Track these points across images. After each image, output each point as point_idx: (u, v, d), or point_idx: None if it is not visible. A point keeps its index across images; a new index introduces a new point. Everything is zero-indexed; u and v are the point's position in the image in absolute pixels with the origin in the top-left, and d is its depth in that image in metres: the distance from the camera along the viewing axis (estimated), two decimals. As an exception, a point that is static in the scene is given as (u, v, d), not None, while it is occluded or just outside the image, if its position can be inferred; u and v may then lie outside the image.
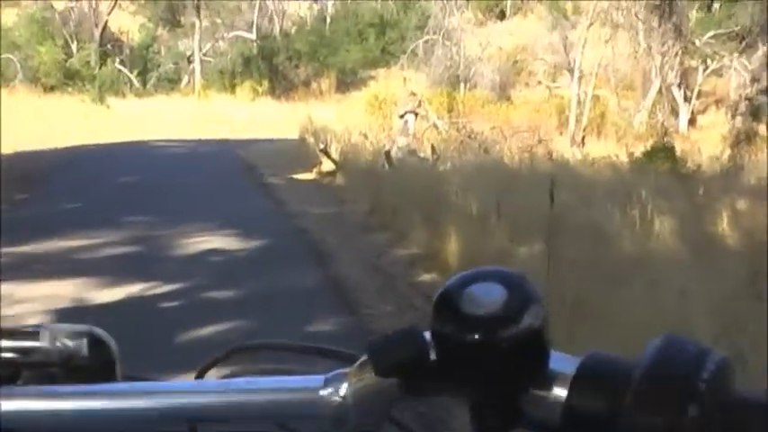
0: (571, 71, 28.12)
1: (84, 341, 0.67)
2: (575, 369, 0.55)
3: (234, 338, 4.29)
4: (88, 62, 33.21)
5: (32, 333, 0.66)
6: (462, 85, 27.63)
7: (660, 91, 22.53)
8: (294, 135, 17.58)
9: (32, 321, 3.77)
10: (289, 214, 9.51)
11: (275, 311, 5.39)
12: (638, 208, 8.12)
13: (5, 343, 0.66)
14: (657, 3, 19.03)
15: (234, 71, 33.40)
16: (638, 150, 16.09)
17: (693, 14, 25.99)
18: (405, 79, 22.06)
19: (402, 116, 16.54)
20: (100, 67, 33.01)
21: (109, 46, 34.81)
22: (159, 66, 34.68)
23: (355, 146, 14.41)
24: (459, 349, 0.55)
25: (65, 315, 4.89)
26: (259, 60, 33.31)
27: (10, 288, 5.43)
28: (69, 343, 0.66)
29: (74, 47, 33.72)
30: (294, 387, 0.62)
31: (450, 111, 21.94)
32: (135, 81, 33.22)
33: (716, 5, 27.68)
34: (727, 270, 5.66)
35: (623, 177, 12.25)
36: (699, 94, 24.39)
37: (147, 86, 33.23)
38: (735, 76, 23.83)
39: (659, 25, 18.90)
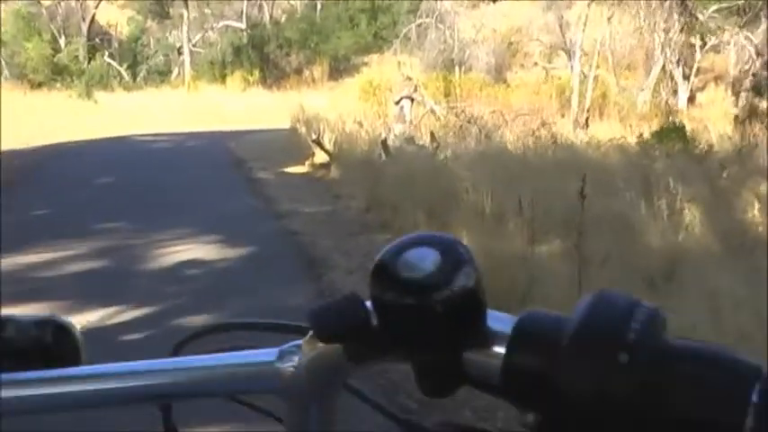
0: (567, 51, 27.63)
1: (49, 329, 0.69)
2: (511, 327, 0.56)
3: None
4: (77, 57, 32.67)
5: None
6: (457, 68, 27.14)
7: (663, 68, 21.90)
8: (286, 125, 16.87)
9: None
10: (278, 214, 8.68)
11: (260, 340, 4.59)
12: (665, 196, 7.39)
13: None
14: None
15: (224, 61, 32.86)
16: (645, 131, 15.55)
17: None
18: (399, 63, 21.40)
19: (398, 102, 15.96)
20: (89, 62, 32.50)
21: (97, 40, 34.43)
22: (149, 58, 34.03)
23: (350, 135, 13.67)
24: (397, 313, 0.56)
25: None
26: (249, 49, 32.71)
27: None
28: (34, 332, 0.69)
29: (62, 42, 33.19)
30: (250, 361, 0.64)
31: (447, 95, 21.36)
32: (125, 74, 32.61)
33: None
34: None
35: (636, 160, 11.54)
36: (697, 71, 23.80)
37: (137, 80, 32.59)
38: (734, 51, 23.29)
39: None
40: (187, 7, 34.22)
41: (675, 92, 22.97)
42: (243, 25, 34.10)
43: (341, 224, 8.00)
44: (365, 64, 31.94)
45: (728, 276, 4.88)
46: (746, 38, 22.24)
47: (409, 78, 17.59)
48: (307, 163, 12.64)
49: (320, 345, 0.60)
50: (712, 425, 0.51)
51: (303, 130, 15.08)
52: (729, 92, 23.64)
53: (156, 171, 12.40)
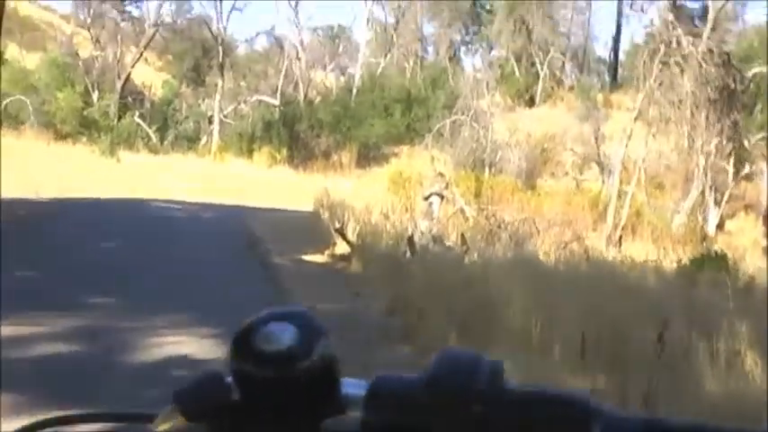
0: (600, 164, 27.07)
1: None
2: (365, 391, 0.58)
3: None
4: (107, 113, 32.44)
5: None
6: (488, 169, 26.62)
7: (702, 192, 21.27)
8: (309, 207, 16.18)
9: None
10: (290, 308, 7.81)
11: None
12: (723, 337, 6.55)
13: None
14: (715, 97, 17.56)
15: (253, 135, 32.52)
16: (678, 254, 14.92)
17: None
18: (432, 158, 20.76)
19: (427, 198, 15.29)
20: (119, 119, 32.24)
21: (130, 99, 34.33)
22: (179, 123, 33.70)
23: (375, 227, 12.92)
24: (260, 385, 0.58)
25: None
26: (280, 126, 32.36)
27: None
28: None
29: (94, 96, 33.02)
30: None
31: (477, 195, 20.71)
32: (153, 136, 32.25)
33: (758, 108, 27.07)
34: None
35: (677, 288, 10.74)
36: (728, 198, 23.22)
37: (165, 143, 32.20)
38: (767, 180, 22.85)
39: (718, 121, 17.45)
40: (223, 77, 34.15)
41: (705, 217, 22.39)
42: (276, 101, 33.90)
43: (358, 329, 7.02)
44: (395, 154, 31.45)
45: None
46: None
47: (441, 174, 16.95)
48: (327, 252, 11.83)
49: (186, 423, 0.59)
50: None
51: (326, 215, 14.39)
52: (760, 221, 23.13)
53: (165, 243, 11.58)
